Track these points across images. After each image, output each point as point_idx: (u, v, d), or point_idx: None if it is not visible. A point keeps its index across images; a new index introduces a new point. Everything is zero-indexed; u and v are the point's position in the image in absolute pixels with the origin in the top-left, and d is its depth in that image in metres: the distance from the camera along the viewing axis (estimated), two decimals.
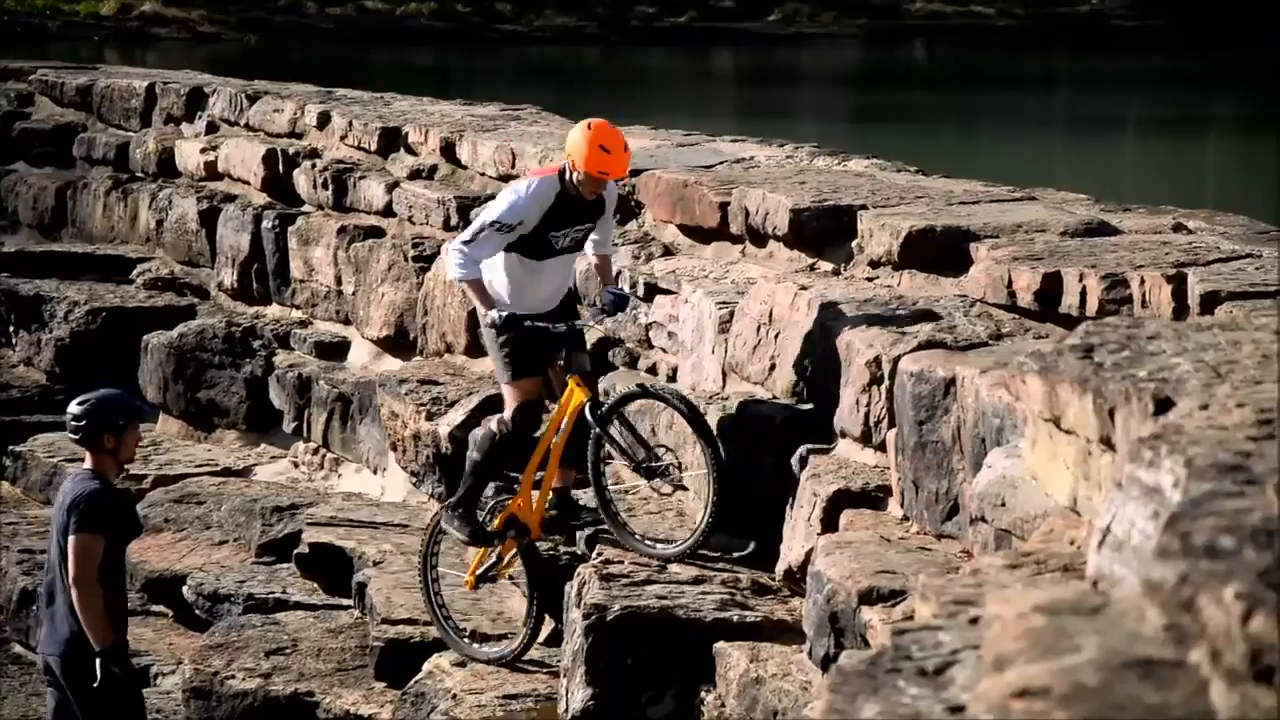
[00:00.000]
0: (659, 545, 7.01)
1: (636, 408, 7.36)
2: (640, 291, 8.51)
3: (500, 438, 7.28)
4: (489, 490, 7.59)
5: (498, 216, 7.10)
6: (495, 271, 7.23)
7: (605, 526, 7.23)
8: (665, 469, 7.06)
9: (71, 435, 7.04)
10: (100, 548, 6.74)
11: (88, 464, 6.97)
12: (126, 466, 7.36)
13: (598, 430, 7.12)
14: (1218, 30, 50.26)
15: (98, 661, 6.67)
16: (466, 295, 7.24)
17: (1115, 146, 28.96)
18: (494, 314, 7.04)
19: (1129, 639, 2.34)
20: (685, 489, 7.24)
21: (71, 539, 6.72)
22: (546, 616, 7.28)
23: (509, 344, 7.14)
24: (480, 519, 7.38)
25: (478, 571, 7.52)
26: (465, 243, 7.12)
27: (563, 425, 7.23)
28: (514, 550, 7.36)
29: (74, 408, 6.96)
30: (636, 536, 7.09)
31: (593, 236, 7.40)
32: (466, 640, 7.49)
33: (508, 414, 7.30)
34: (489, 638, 7.59)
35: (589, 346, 7.69)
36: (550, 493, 7.36)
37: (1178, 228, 7.47)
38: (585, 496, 7.52)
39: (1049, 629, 2.41)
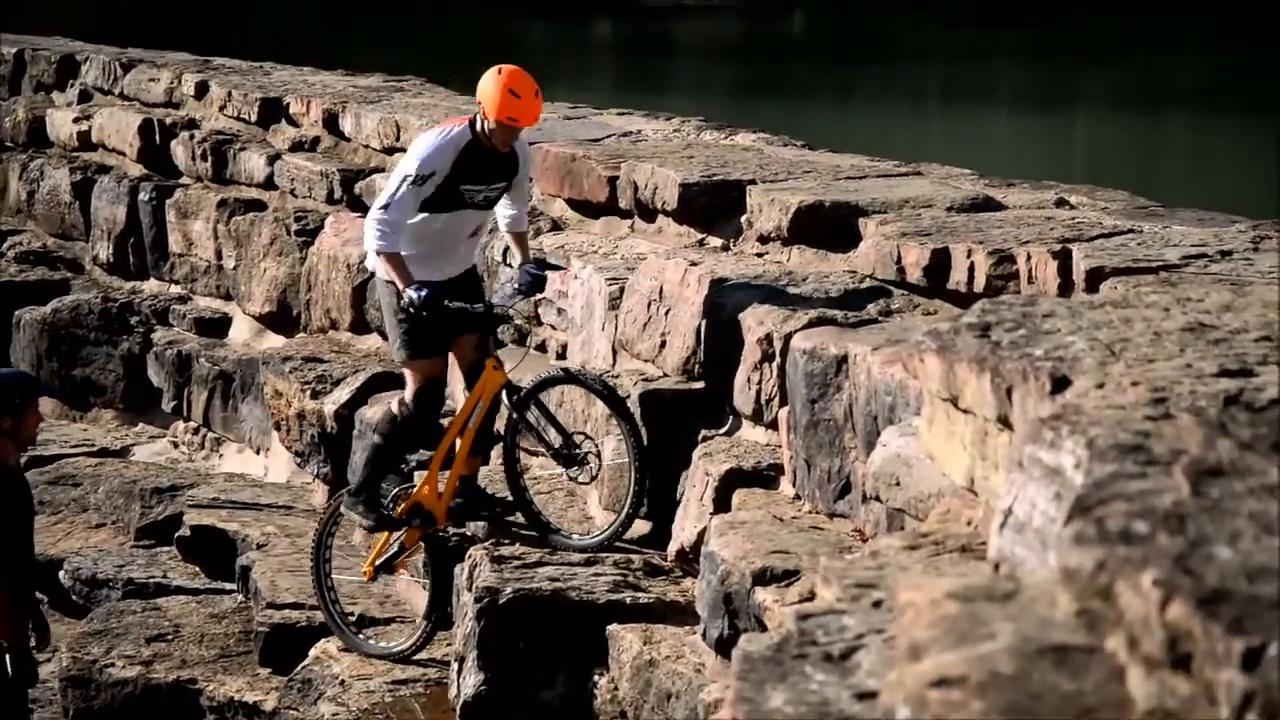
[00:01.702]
0: (575, 536, 6.90)
1: (556, 396, 7.24)
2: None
3: (401, 420, 7.09)
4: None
5: (413, 170, 6.85)
6: (404, 236, 6.99)
7: (513, 515, 7.11)
8: (583, 458, 6.93)
9: None
10: None
11: None
12: (29, 448, 7.11)
13: (514, 416, 6.99)
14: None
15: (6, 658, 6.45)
16: (385, 269, 6.90)
17: (989, 120, 29.28)
18: (412, 291, 6.78)
19: (1042, 625, 2.33)
20: (596, 478, 7.10)
21: None
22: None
23: (409, 320, 6.91)
24: (384, 505, 7.20)
25: (377, 561, 7.33)
26: (383, 208, 6.85)
27: (476, 410, 7.06)
28: (417, 539, 7.19)
29: None
30: (551, 527, 6.98)
31: (506, 210, 7.17)
32: (357, 632, 7.35)
33: (408, 395, 7.10)
34: (377, 621, 7.48)
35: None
36: (457, 480, 7.18)
37: (1060, 203, 7.54)
38: (492, 484, 7.39)
39: (962, 616, 2.40)
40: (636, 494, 6.74)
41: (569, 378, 7.07)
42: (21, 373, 6.99)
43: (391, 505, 7.18)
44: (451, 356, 7.22)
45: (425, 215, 6.93)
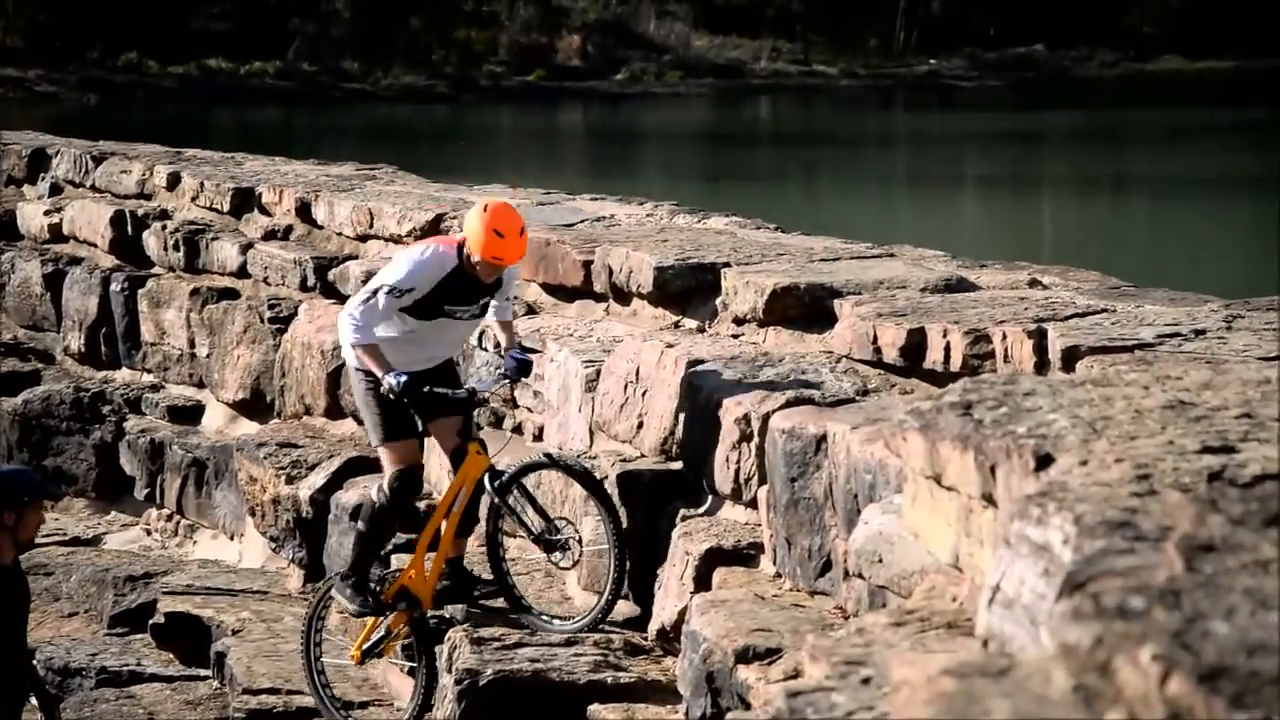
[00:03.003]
0: (556, 621, 6.88)
1: (534, 478, 7.25)
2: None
3: (379, 507, 7.12)
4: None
5: (392, 282, 6.93)
6: (386, 324, 7.04)
7: (497, 600, 7.08)
8: (565, 542, 6.93)
9: None
10: None
11: None
12: (25, 546, 7.07)
13: (497, 500, 7.00)
14: (1050, 91, 51.69)
15: None
16: (362, 361, 6.95)
17: (956, 203, 29.56)
18: (391, 379, 6.83)
19: (1039, 702, 2.34)
20: (576, 563, 7.08)
21: None
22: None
23: (382, 404, 6.96)
24: (371, 589, 7.19)
25: (364, 645, 7.30)
26: (360, 306, 6.93)
27: (460, 495, 7.08)
28: (403, 623, 7.16)
29: None
30: (534, 612, 6.97)
31: (493, 304, 7.26)
32: (346, 716, 7.30)
33: (386, 480, 7.13)
34: (353, 706, 7.43)
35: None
36: (443, 563, 7.18)
37: (1033, 283, 7.61)
38: (478, 566, 7.37)
39: (958, 693, 2.40)
40: (616, 579, 6.73)
41: (552, 463, 7.06)
42: (29, 471, 6.97)
43: (379, 589, 7.15)
44: (434, 441, 7.23)
45: (407, 316, 7.01)
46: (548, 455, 7.24)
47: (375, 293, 6.91)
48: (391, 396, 6.84)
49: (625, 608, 6.94)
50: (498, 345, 7.47)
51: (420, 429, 7.13)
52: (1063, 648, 2.30)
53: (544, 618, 6.93)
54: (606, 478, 7.11)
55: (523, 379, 7.34)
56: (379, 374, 6.87)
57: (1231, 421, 3.55)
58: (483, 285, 7.05)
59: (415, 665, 7.04)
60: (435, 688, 6.89)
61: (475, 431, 7.20)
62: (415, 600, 7.11)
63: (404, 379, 6.80)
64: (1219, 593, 2.34)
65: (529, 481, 7.18)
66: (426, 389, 6.87)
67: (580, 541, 6.95)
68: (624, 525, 6.78)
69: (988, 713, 2.33)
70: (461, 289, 7.01)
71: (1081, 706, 2.27)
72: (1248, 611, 2.25)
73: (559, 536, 6.93)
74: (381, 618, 7.22)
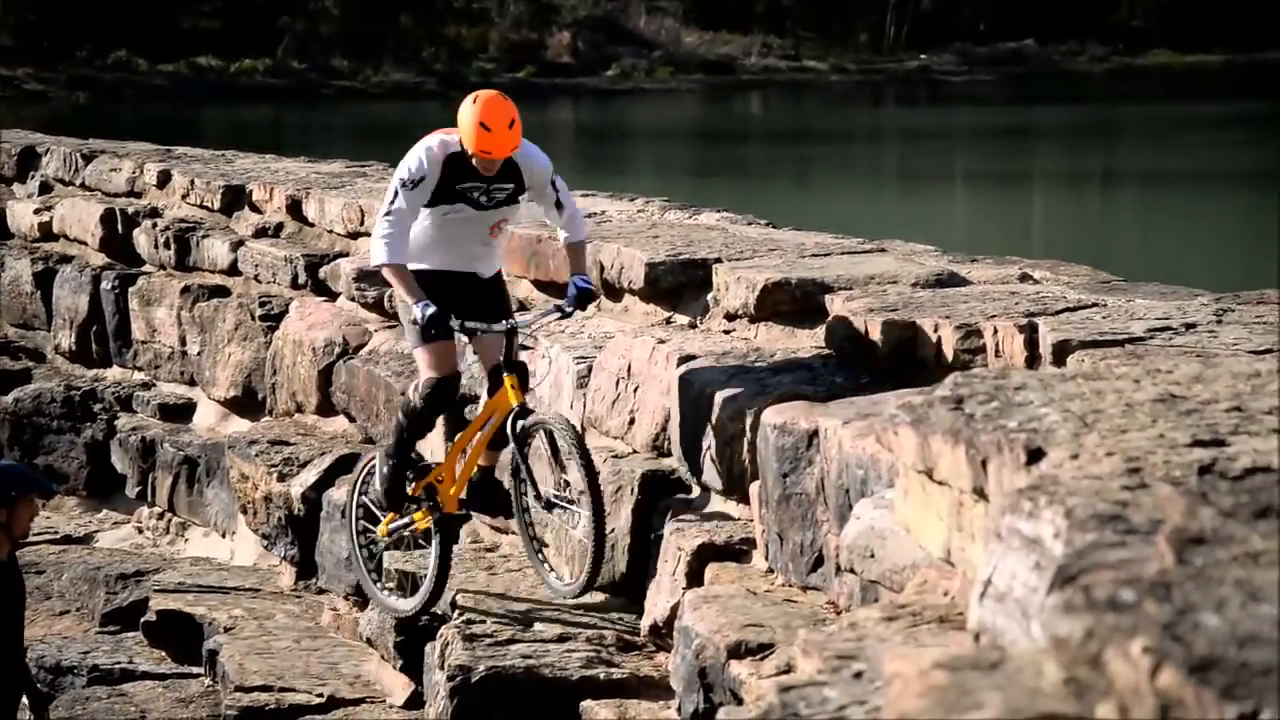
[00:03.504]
0: (553, 577, 6.87)
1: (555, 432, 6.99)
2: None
3: (413, 408, 7.04)
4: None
5: (401, 176, 6.81)
6: (419, 238, 6.89)
7: (512, 523, 7.01)
8: (566, 503, 6.83)
9: None
10: None
11: None
12: (20, 541, 7.07)
13: (513, 446, 6.88)
14: (1040, 85, 51.75)
15: None
16: (393, 285, 6.85)
17: (947, 198, 29.59)
18: (418, 309, 6.68)
19: (1030, 695, 2.34)
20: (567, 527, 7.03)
21: None
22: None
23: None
24: (405, 477, 7.14)
25: (390, 526, 7.31)
26: (384, 216, 6.79)
27: (488, 424, 6.96)
28: (426, 518, 7.15)
29: None
30: (546, 566, 6.93)
31: (553, 220, 7.03)
32: (382, 588, 7.33)
33: (420, 384, 7.02)
34: (346, 702, 7.44)
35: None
36: (472, 471, 7.09)
37: (1024, 278, 7.61)
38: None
39: (950, 686, 2.41)
40: (598, 543, 6.64)
41: (567, 429, 6.82)
42: (19, 465, 6.96)
43: (411, 480, 7.14)
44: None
45: (431, 210, 6.87)
46: (568, 423, 7.00)
47: (393, 196, 6.79)
48: (417, 327, 6.74)
49: (616, 602, 6.94)
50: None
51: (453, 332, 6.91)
52: (1054, 641, 2.31)
53: (547, 566, 6.87)
54: (599, 474, 7.10)
55: (580, 309, 7.01)
56: (409, 300, 6.73)
57: (1222, 415, 3.56)
58: (491, 178, 6.87)
59: (433, 556, 7.05)
60: (445, 584, 6.97)
61: (515, 358, 6.90)
62: (437, 503, 7.08)
63: (431, 311, 6.65)
64: (1210, 585, 2.35)
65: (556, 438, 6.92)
66: (458, 323, 6.74)
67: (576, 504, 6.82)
68: (602, 493, 6.70)
69: (979, 705, 2.34)
70: (471, 170, 6.83)
71: (1073, 699, 2.27)
72: (1238, 603, 2.26)
73: (563, 495, 6.81)
74: (401, 512, 7.22)
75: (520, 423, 6.84)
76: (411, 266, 6.90)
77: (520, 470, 6.97)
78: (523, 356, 7.20)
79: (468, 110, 6.78)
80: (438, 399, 6.98)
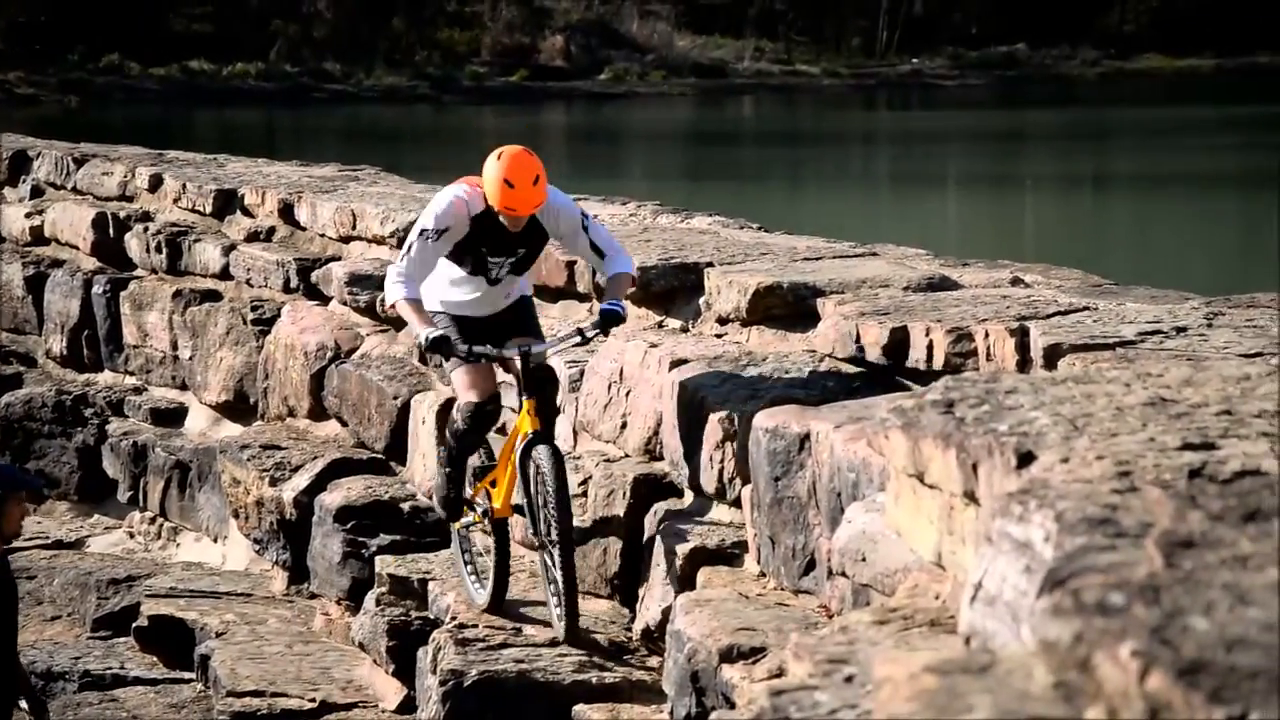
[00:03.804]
0: (557, 620, 6.69)
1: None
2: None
3: (456, 430, 7.03)
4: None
5: (426, 224, 6.77)
6: (432, 279, 6.86)
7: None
8: (551, 544, 6.68)
9: None
10: None
11: None
12: (11, 540, 7.06)
13: (518, 467, 6.80)
14: (1031, 89, 51.84)
15: None
16: (404, 317, 6.81)
17: (939, 202, 29.63)
18: (426, 332, 6.64)
19: (1019, 698, 2.35)
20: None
21: None
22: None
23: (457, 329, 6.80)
24: (464, 486, 7.15)
25: (463, 522, 7.27)
26: (402, 259, 6.77)
27: (515, 448, 6.88)
28: (481, 521, 7.16)
29: None
30: (553, 599, 6.72)
31: (594, 262, 6.94)
32: (473, 577, 7.21)
33: (460, 407, 7.02)
34: (339, 707, 7.44)
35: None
36: (516, 479, 6.98)
37: (1015, 281, 7.63)
38: None
39: (940, 690, 2.41)
40: (570, 603, 6.58)
41: (551, 470, 6.70)
42: (8, 465, 6.94)
43: (472, 480, 7.13)
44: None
45: (453, 264, 6.84)
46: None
47: (414, 242, 6.75)
48: (420, 348, 6.74)
49: (607, 607, 6.93)
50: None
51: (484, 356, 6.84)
52: (1044, 644, 2.31)
53: (554, 600, 6.68)
54: (590, 478, 7.10)
55: (602, 333, 6.85)
56: (416, 328, 6.69)
57: (1212, 418, 3.57)
58: (516, 234, 6.80)
59: (493, 556, 7.02)
60: (506, 582, 6.93)
61: (534, 381, 6.74)
62: (488, 509, 7.06)
63: (434, 336, 6.61)
64: (1198, 588, 2.35)
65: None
66: (466, 348, 6.70)
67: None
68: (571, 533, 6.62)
69: (969, 709, 2.34)
70: (495, 232, 6.77)
71: (1062, 702, 2.28)
72: (1226, 607, 2.26)
73: (550, 538, 6.67)
74: (459, 517, 7.22)
75: (530, 452, 6.74)
76: (431, 306, 6.90)
77: (522, 503, 6.89)
78: (619, 309, 6.82)
79: (492, 167, 6.69)
80: (479, 420, 6.96)
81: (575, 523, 6.74)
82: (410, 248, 6.77)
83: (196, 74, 48.33)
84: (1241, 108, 43.13)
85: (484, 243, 6.81)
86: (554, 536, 6.57)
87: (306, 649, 8.11)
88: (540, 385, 6.76)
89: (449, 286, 6.93)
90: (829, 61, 57.96)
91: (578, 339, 6.91)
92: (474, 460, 7.19)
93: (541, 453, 6.66)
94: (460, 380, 6.95)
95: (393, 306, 6.93)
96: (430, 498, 8.39)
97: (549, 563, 6.70)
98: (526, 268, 7.00)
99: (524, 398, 6.76)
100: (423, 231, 6.76)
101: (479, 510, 7.15)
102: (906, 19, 59.55)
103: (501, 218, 6.74)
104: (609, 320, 6.75)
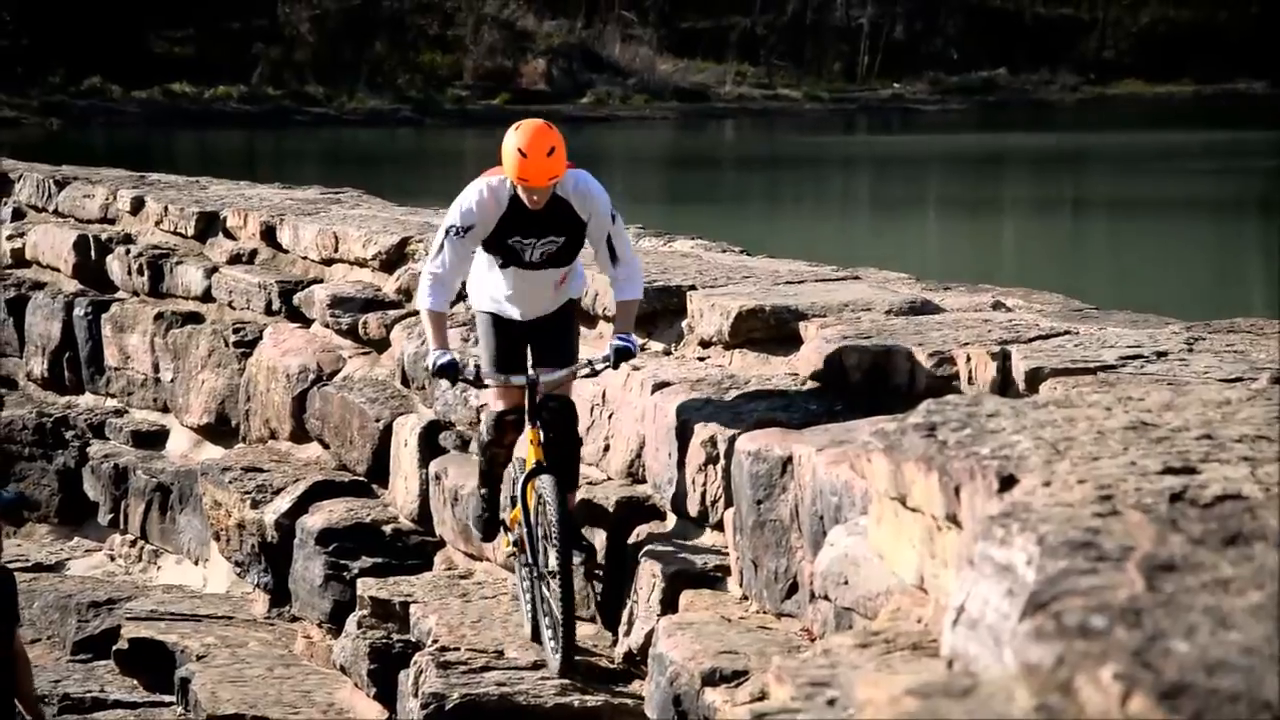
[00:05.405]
0: (552, 653, 6.61)
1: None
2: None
3: (483, 443, 7.04)
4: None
5: (451, 221, 6.66)
6: (476, 271, 6.79)
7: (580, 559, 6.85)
8: (551, 575, 6.57)
9: None
10: None
11: None
12: None
13: (516, 492, 6.76)
14: (1012, 114, 52.05)
15: None
16: (425, 327, 6.79)
17: (920, 226, 29.72)
18: (434, 356, 6.60)
19: None
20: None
21: None
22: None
23: (494, 340, 6.74)
24: (500, 508, 7.13)
25: (505, 549, 7.20)
26: (432, 260, 6.67)
27: (516, 479, 6.88)
28: (515, 544, 7.06)
29: None
30: (546, 633, 6.65)
31: (606, 271, 6.77)
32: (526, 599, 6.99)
33: (485, 416, 7.03)
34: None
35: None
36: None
37: (997, 305, 7.66)
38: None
39: (921, 712, 2.42)
40: (567, 636, 6.51)
41: (556, 503, 6.63)
42: None
43: (510, 506, 7.07)
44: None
45: (488, 257, 6.75)
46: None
47: (441, 239, 6.65)
48: (428, 370, 6.73)
49: (590, 629, 6.93)
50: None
51: (514, 370, 6.78)
52: (1025, 667, 2.33)
53: (548, 633, 6.62)
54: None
55: (613, 366, 6.73)
56: (430, 346, 6.67)
57: (1192, 442, 3.58)
58: (546, 212, 6.62)
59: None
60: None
61: (540, 410, 6.66)
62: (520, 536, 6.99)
63: (441, 362, 6.58)
64: (1180, 611, 2.37)
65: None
66: (474, 373, 6.69)
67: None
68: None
69: None
70: (525, 219, 6.63)
71: None
72: (1208, 630, 2.28)
73: (551, 570, 6.57)
74: (494, 539, 7.22)
75: (531, 483, 6.70)
76: (481, 305, 6.88)
77: (523, 531, 6.83)
78: (631, 344, 6.72)
79: (510, 138, 6.58)
80: (502, 430, 6.94)
81: None
82: (440, 248, 6.68)
83: (178, 96, 48.33)
84: (1220, 134, 43.38)
85: (515, 227, 6.66)
86: (553, 568, 6.53)
87: (288, 672, 8.09)
88: (548, 415, 6.70)
89: (491, 283, 6.83)
90: (810, 86, 58.18)
91: (588, 371, 6.88)
92: (508, 487, 7.12)
93: (544, 483, 6.63)
94: (490, 390, 6.98)
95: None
96: (412, 521, 8.38)
97: (546, 594, 6.65)
98: (566, 260, 6.80)
99: (529, 426, 6.72)
100: (449, 229, 6.65)
101: (510, 538, 7.08)
102: (887, 44, 59.81)
103: (519, 192, 6.59)
104: (621, 355, 6.71)
